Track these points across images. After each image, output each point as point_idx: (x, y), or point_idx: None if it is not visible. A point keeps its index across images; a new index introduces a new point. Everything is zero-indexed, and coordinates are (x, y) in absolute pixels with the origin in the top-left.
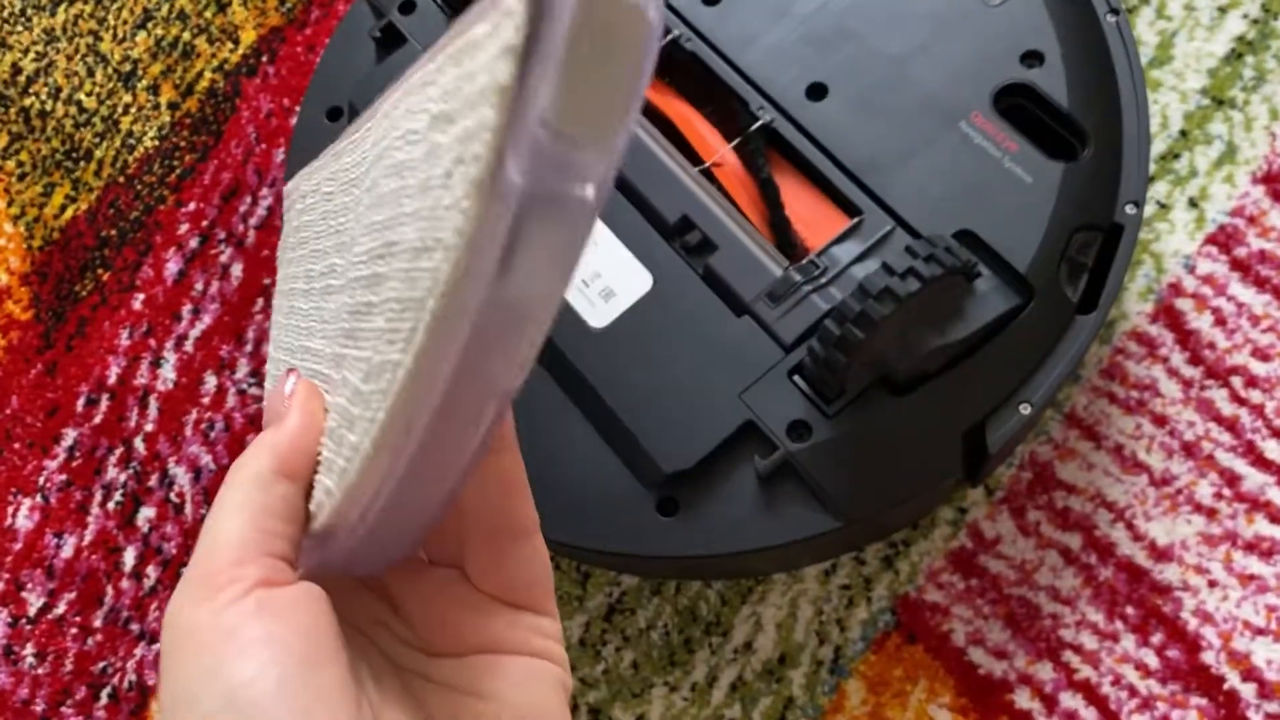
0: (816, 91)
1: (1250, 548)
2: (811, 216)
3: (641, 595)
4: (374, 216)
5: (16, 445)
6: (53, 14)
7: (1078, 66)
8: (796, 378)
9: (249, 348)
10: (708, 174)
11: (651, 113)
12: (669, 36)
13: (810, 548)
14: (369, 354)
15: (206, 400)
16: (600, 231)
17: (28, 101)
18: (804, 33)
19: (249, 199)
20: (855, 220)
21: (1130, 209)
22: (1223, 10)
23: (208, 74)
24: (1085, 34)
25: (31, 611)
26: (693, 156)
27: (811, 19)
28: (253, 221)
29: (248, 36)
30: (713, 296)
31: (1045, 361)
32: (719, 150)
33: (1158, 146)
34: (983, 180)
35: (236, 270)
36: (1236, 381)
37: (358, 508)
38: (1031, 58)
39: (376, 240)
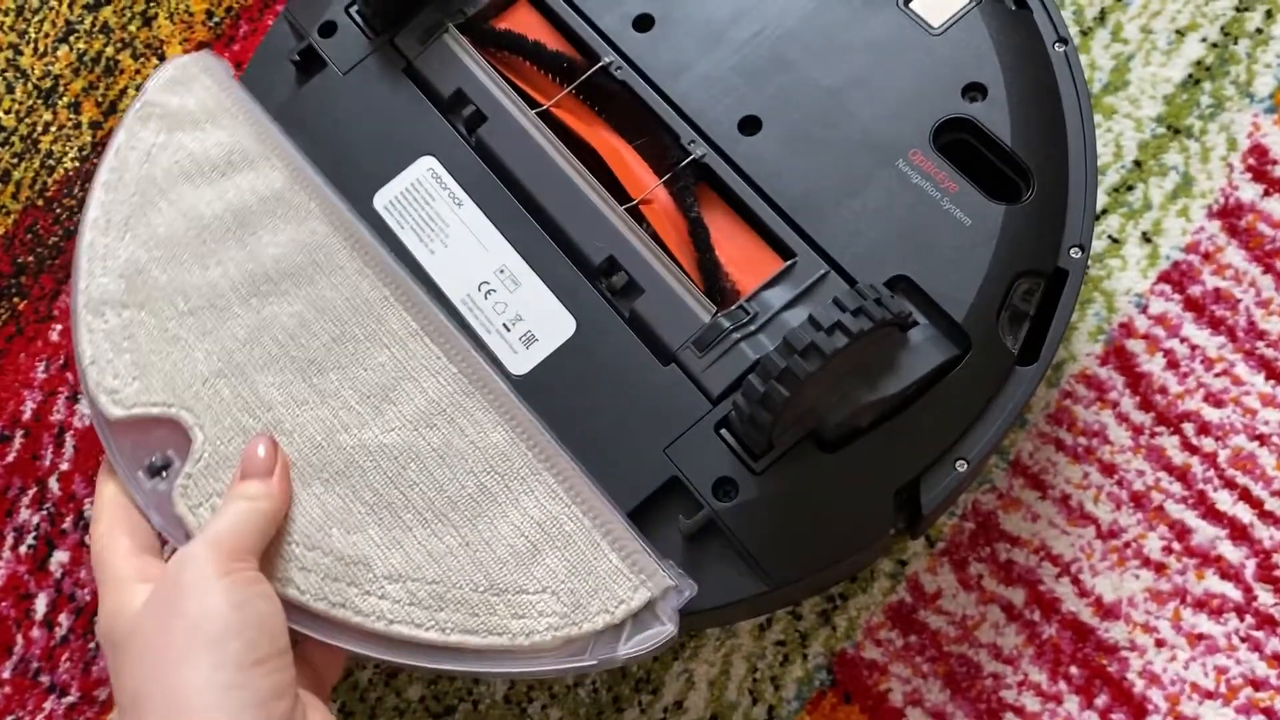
0: (750, 125)
1: (1200, 605)
2: (743, 257)
3: None
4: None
5: None
6: None
7: (1022, 100)
8: (724, 431)
9: None
10: (635, 212)
11: (579, 145)
12: (599, 64)
13: (740, 607)
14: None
15: None
16: (523, 272)
17: None
18: (737, 62)
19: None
20: (788, 263)
21: (1075, 253)
22: (1180, 34)
23: (131, 91)
24: (1031, 65)
25: None
26: (620, 192)
27: (745, 47)
28: None
29: (173, 52)
30: (638, 343)
31: (983, 416)
32: (648, 186)
33: (1111, 178)
34: (920, 222)
35: None
36: (1188, 428)
37: None
38: (974, 90)
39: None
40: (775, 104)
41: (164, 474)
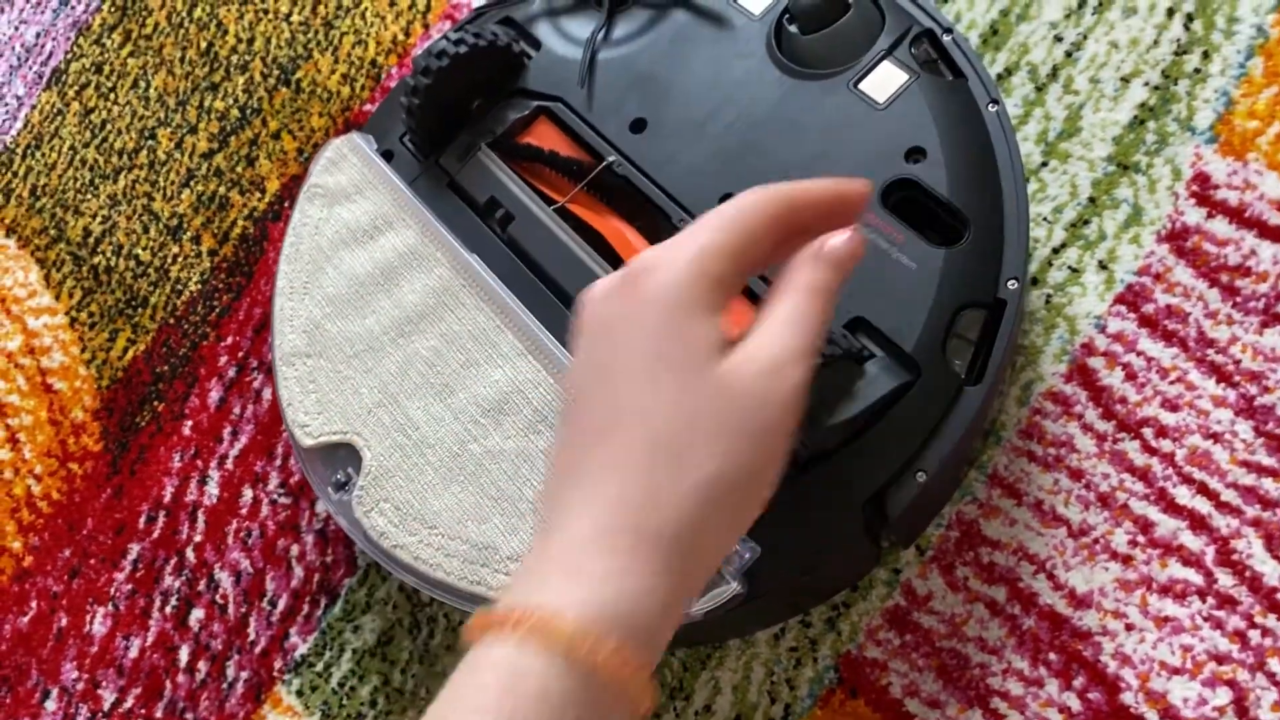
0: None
1: (1165, 591)
2: (729, 313)
3: None
4: None
5: (92, 561)
6: (115, 181)
7: (958, 158)
8: None
9: (278, 461)
10: None
11: (589, 232)
12: (604, 164)
13: (744, 616)
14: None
15: (244, 510)
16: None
17: (96, 260)
18: (715, 150)
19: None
20: None
21: (1012, 284)
22: (1125, 80)
23: (240, 222)
24: (966, 126)
25: (106, 706)
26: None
27: (721, 136)
28: None
29: (272, 185)
30: None
31: (938, 432)
32: None
33: (1068, 214)
34: (873, 271)
35: (267, 394)
36: (1148, 432)
37: None
38: (916, 154)
39: None
40: (749, 181)
41: (346, 488)
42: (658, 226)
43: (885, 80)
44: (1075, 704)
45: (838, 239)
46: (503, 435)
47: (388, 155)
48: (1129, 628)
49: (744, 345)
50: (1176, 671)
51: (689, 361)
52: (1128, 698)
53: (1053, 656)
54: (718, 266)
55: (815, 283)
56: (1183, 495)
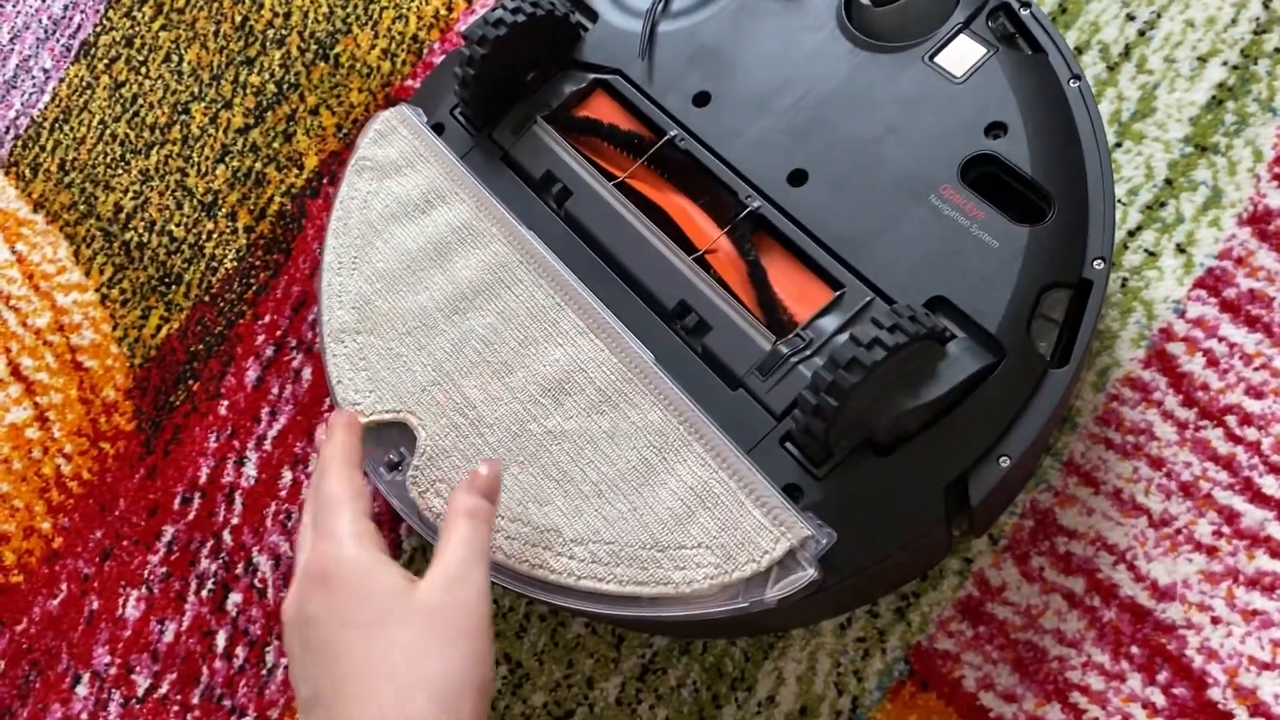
0: (797, 177)
1: (1252, 583)
2: (798, 292)
3: (672, 655)
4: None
5: (124, 543)
6: (147, 156)
7: (1040, 133)
8: (788, 444)
9: (319, 442)
10: (702, 260)
11: (651, 208)
12: (666, 137)
13: (813, 604)
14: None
15: (284, 493)
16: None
17: (128, 235)
18: (783, 125)
19: (316, 308)
20: (837, 293)
21: (1098, 264)
22: (1202, 60)
23: (277, 198)
24: (1048, 102)
25: (140, 692)
26: (689, 245)
27: (789, 112)
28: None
29: (310, 162)
30: (709, 372)
31: (1022, 416)
32: (712, 238)
33: (1144, 197)
34: (953, 248)
35: (306, 373)
36: (1231, 420)
37: None
38: (996, 129)
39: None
40: (819, 157)
41: (399, 468)
42: (722, 203)
43: (963, 54)
44: (1159, 699)
45: (482, 468)
46: (564, 415)
47: (438, 128)
48: (1215, 621)
49: (430, 572)
50: (1266, 667)
51: (396, 609)
52: (1215, 693)
53: (1135, 650)
54: (365, 526)
55: (472, 508)
56: (1270, 485)
